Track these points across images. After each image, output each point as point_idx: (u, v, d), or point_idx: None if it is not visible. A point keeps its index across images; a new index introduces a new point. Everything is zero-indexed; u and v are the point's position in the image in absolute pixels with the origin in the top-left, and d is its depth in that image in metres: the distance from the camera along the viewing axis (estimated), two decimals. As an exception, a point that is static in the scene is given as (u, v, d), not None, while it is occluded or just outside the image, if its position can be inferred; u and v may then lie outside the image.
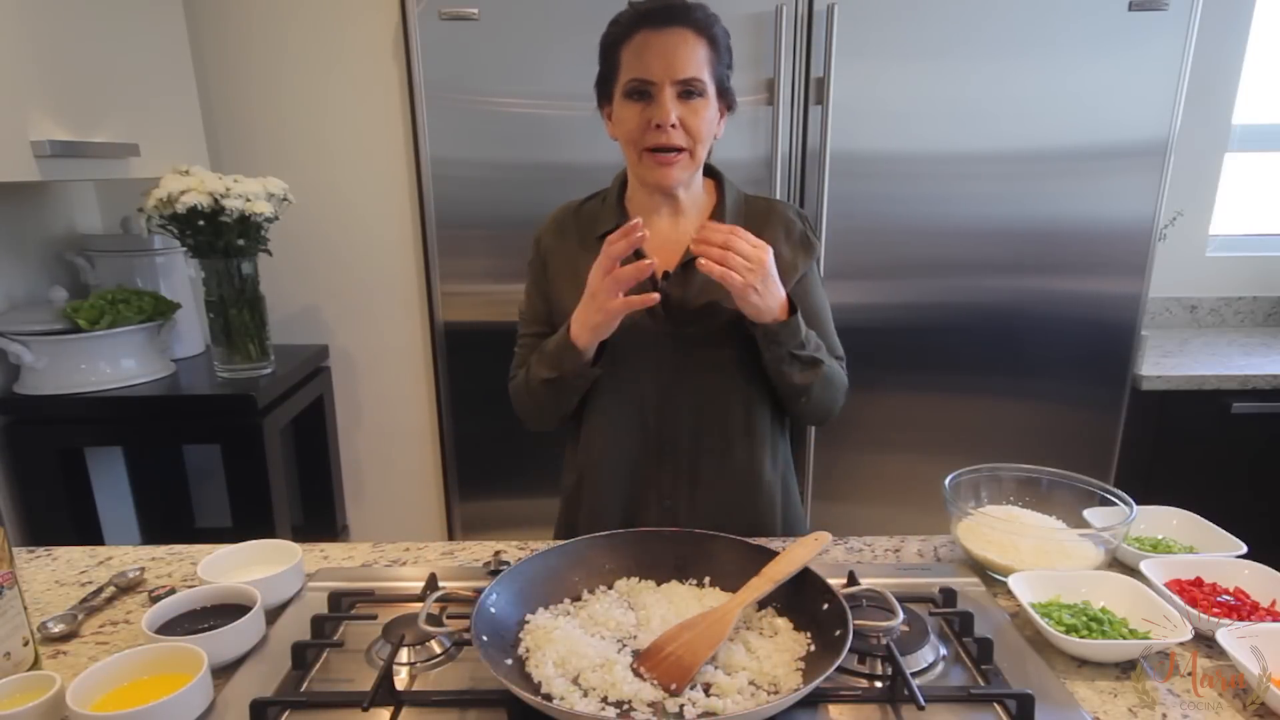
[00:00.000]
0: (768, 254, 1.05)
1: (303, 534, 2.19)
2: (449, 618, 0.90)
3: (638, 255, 1.17)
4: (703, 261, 1.03)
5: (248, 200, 1.69)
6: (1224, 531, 1.08)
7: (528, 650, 0.84)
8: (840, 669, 0.82)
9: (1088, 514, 1.10)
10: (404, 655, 0.87)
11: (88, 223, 2.06)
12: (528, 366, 1.22)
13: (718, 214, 1.20)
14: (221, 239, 1.72)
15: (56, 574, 1.11)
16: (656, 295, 1.05)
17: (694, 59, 1.07)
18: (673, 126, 1.07)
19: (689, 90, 1.08)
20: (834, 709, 0.80)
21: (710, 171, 1.23)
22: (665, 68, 1.07)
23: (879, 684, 0.83)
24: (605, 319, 1.08)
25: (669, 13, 1.08)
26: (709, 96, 1.10)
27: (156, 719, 0.74)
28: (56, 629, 0.94)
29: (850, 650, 0.78)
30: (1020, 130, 1.85)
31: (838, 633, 0.81)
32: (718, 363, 1.18)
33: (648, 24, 1.08)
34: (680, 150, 1.10)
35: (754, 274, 1.03)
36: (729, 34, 1.14)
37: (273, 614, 0.97)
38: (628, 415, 1.20)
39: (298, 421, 2.07)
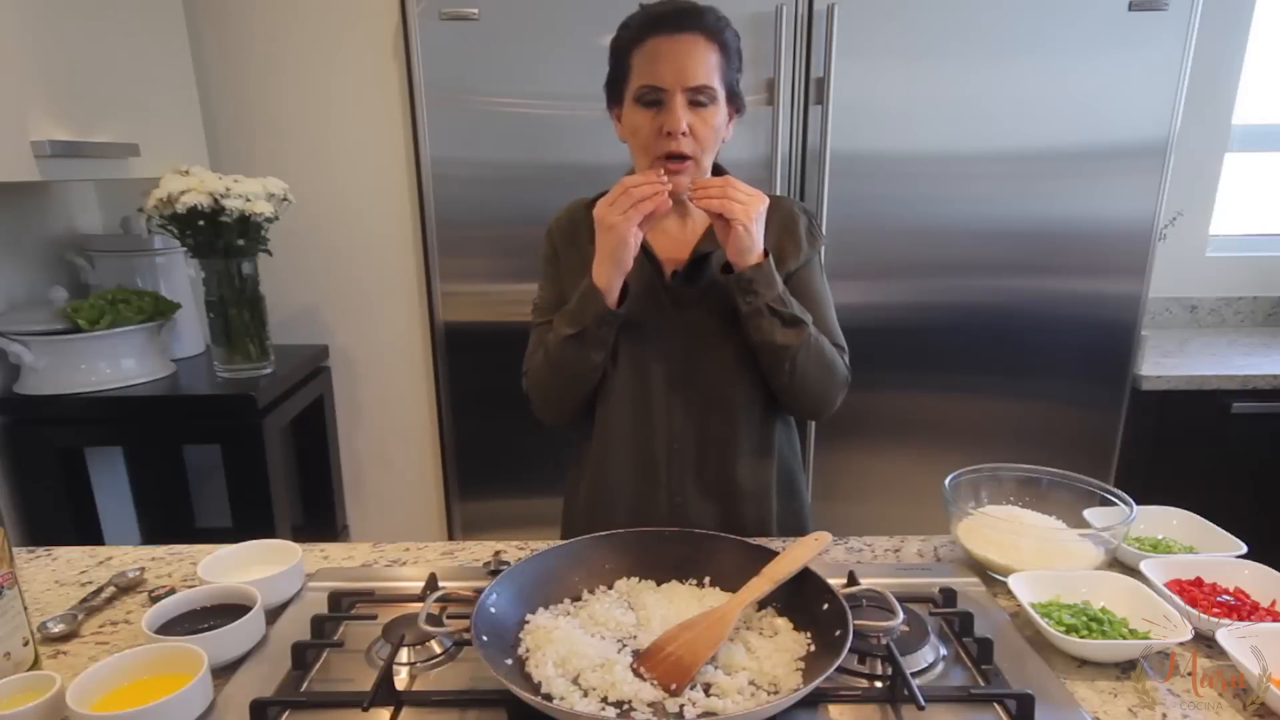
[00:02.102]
0: (762, 200, 1.09)
1: (303, 534, 2.18)
2: (449, 618, 0.90)
3: (645, 251, 1.19)
4: (700, 194, 1.07)
5: (248, 200, 1.69)
6: (1224, 531, 1.08)
7: (528, 650, 0.84)
8: (840, 669, 0.82)
9: (1088, 514, 1.10)
10: (404, 655, 0.87)
11: (88, 223, 2.06)
12: (546, 344, 1.20)
13: None
14: (221, 239, 1.72)
15: (56, 574, 1.11)
16: (667, 194, 1.07)
17: (705, 66, 1.08)
18: (683, 134, 1.08)
19: (699, 98, 1.09)
20: (834, 709, 0.80)
21: (717, 170, 1.24)
22: (677, 75, 1.07)
23: (879, 684, 0.83)
24: (619, 239, 1.07)
25: (681, 18, 1.08)
26: (719, 102, 1.11)
27: (156, 719, 0.74)
28: (56, 629, 0.94)
29: (850, 650, 0.78)
30: (1020, 130, 1.85)
31: (838, 633, 0.81)
32: (725, 359, 1.18)
33: (659, 29, 1.08)
34: (688, 159, 1.11)
35: (752, 205, 1.07)
36: (739, 37, 1.14)
37: (273, 614, 0.97)
38: (636, 411, 1.21)
39: (298, 421, 2.07)
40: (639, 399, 1.20)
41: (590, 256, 1.17)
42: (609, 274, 1.10)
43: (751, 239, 1.08)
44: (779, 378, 1.16)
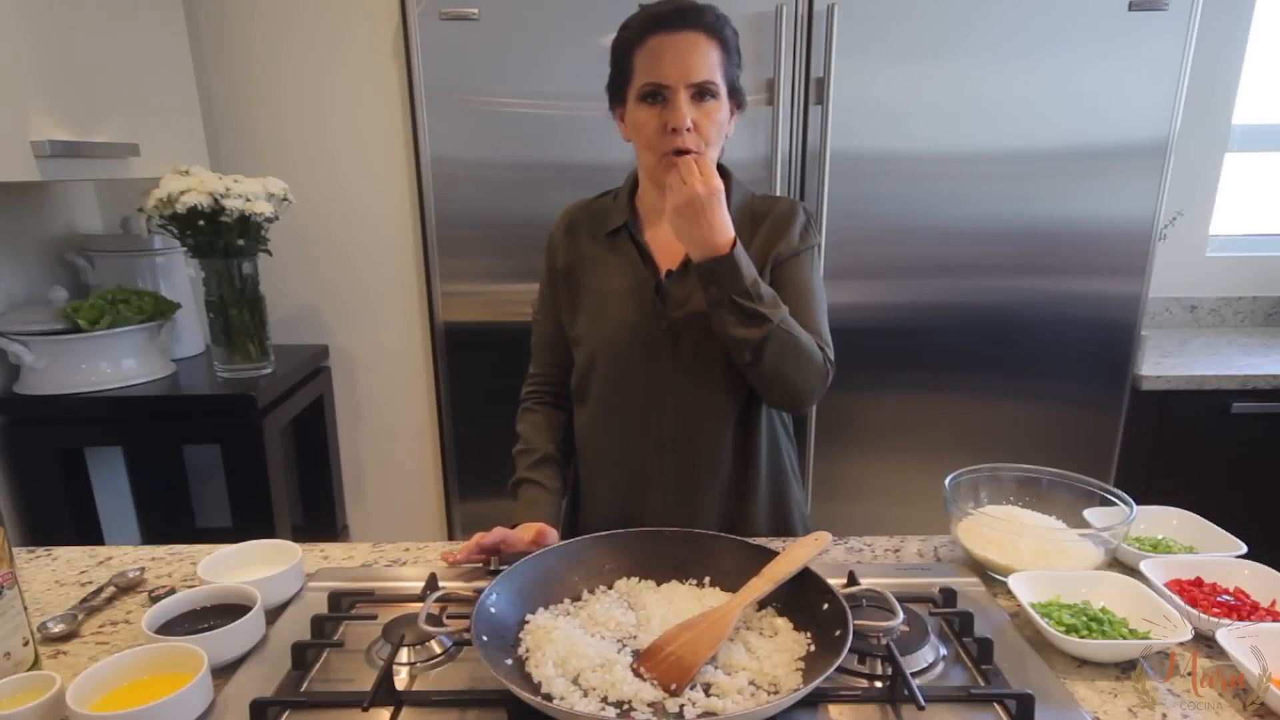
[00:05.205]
0: (715, 189, 1.05)
1: (303, 534, 2.18)
2: (449, 618, 0.90)
3: (643, 256, 1.20)
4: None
5: (248, 200, 1.69)
6: (1224, 531, 1.08)
7: (528, 650, 0.84)
8: (840, 669, 0.82)
9: (1088, 514, 1.10)
10: (404, 655, 0.87)
11: (88, 223, 2.06)
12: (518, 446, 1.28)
13: None
14: (221, 239, 1.72)
15: (56, 574, 1.11)
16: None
17: (707, 62, 1.09)
18: (687, 130, 1.09)
19: (702, 93, 1.09)
20: (834, 709, 0.80)
21: (720, 170, 1.24)
22: (679, 72, 1.08)
23: (879, 684, 0.83)
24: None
25: (681, 16, 1.09)
26: (721, 97, 1.12)
27: (156, 719, 0.74)
28: (56, 629, 0.94)
29: (850, 650, 0.78)
30: (1020, 130, 1.85)
31: (838, 633, 0.81)
32: (714, 358, 1.18)
33: (660, 28, 1.09)
34: (694, 152, 1.10)
35: (694, 189, 1.04)
36: (738, 34, 1.15)
37: (273, 614, 0.97)
38: (626, 411, 1.22)
39: (298, 421, 2.07)
40: (631, 400, 1.21)
41: (586, 256, 1.21)
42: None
43: (700, 229, 1.05)
44: (744, 369, 1.14)
